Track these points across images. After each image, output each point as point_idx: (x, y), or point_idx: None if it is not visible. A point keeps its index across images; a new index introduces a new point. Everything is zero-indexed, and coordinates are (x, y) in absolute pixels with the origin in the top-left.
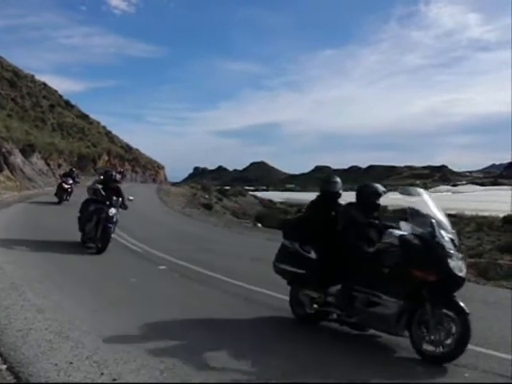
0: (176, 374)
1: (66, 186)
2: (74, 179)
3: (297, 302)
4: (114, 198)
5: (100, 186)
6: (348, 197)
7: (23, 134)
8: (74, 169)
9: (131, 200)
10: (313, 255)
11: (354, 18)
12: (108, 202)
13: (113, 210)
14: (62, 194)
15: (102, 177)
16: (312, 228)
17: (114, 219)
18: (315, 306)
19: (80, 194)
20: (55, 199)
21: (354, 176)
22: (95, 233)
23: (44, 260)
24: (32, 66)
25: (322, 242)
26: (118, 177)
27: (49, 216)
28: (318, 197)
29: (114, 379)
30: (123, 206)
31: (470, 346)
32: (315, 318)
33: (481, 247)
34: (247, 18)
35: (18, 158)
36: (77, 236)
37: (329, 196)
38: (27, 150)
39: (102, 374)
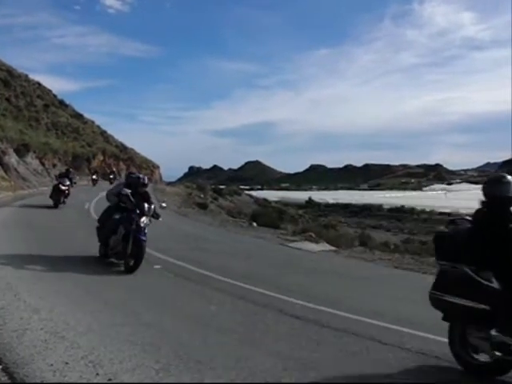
0: (171, 373)
1: (63, 188)
2: (70, 180)
3: (464, 346)
4: (146, 205)
5: (129, 191)
6: (343, 195)
7: (17, 134)
8: (70, 169)
9: (164, 207)
10: (495, 284)
11: (349, 17)
12: (138, 211)
13: (145, 220)
14: (58, 197)
15: (95, 176)
16: (487, 246)
17: (146, 230)
18: (498, 353)
19: (76, 196)
20: (50, 202)
21: (350, 175)
22: (124, 248)
23: (39, 261)
24: (26, 65)
25: (507, 266)
26: (147, 180)
27: (46, 222)
28: (485, 203)
29: (110, 379)
30: (155, 216)
31: None
32: (494, 369)
33: None
34: (242, 18)
35: (12, 158)
36: (76, 242)
37: (500, 202)
38: (21, 150)
39: (98, 374)
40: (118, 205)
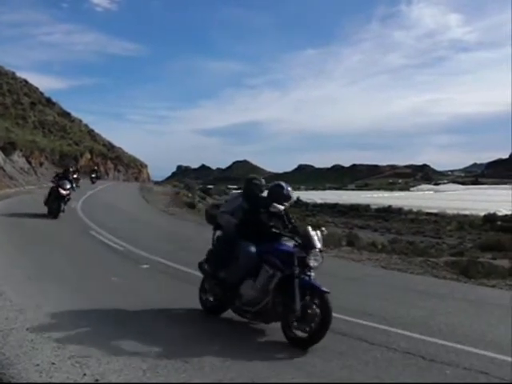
0: (159, 373)
1: (64, 193)
2: (71, 182)
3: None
4: (311, 230)
5: (281, 208)
6: (331, 195)
7: (4, 132)
8: (70, 168)
9: (324, 233)
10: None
11: (336, 18)
12: (300, 241)
13: (316, 257)
14: (58, 204)
15: (76, 175)
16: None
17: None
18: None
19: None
20: (41, 207)
21: (337, 175)
22: (285, 304)
23: (24, 260)
24: (12, 63)
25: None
26: (291, 191)
27: (32, 220)
28: None
29: (97, 380)
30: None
31: (451, 344)
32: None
33: (462, 246)
34: (230, 18)
35: None
36: (64, 239)
37: None
38: (8, 148)
39: (85, 374)
40: (241, 229)
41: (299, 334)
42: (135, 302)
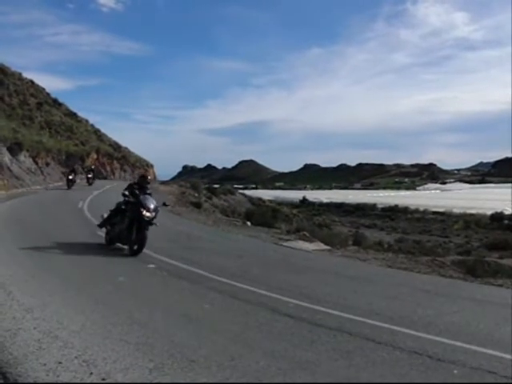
0: (165, 372)
1: (150, 216)
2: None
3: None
4: None
5: None
6: (337, 195)
7: (11, 132)
8: (148, 177)
9: None
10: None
11: (342, 17)
12: None
13: None
14: (140, 233)
15: (72, 176)
16: None
17: None
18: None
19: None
20: (44, 207)
21: (343, 174)
22: None
23: (30, 259)
24: (19, 63)
25: None
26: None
27: (36, 220)
28: None
29: (103, 378)
30: None
31: (458, 343)
32: None
33: (469, 245)
34: (234, 17)
35: (5, 157)
36: (67, 237)
37: None
38: (15, 149)
39: (91, 373)
40: None
41: None
42: (142, 301)
